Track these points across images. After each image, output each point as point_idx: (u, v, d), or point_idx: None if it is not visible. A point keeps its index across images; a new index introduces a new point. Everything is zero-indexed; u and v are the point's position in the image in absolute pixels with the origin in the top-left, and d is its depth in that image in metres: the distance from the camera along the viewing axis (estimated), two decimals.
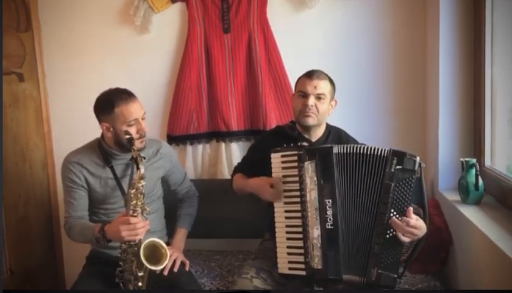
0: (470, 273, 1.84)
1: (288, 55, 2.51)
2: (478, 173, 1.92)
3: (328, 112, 2.02)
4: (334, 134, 2.07)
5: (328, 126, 2.09)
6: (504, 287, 1.49)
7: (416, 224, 1.65)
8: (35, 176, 2.70)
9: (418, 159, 1.68)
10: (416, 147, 2.46)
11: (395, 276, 1.68)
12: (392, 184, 1.67)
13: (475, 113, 2.16)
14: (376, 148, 1.71)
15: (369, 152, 1.71)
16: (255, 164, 2.05)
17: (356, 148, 1.73)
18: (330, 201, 1.72)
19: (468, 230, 1.83)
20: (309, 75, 1.98)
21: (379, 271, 1.67)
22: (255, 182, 1.96)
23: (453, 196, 2.08)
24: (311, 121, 1.97)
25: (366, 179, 1.71)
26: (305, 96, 1.95)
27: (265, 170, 1.89)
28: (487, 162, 2.09)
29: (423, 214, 1.71)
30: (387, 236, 1.67)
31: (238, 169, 2.21)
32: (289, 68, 2.49)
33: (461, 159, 2.01)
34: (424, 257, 2.09)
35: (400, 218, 1.65)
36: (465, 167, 1.97)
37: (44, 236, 2.77)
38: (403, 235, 1.64)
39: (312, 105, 1.94)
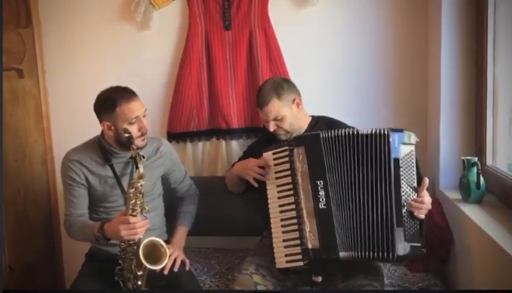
0: (471, 272, 1.84)
1: (289, 52, 2.49)
2: (480, 171, 1.91)
3: (297, 114, 2.06)
4: (322, 123, 2.12)
5: (313, 117, 2.14)
6: (505, 286, 1.49)
7: (429, 201, 1.75)
8: (34, 173, 2.70)
9: (414, 133, 1.77)
10: (417, 145, 2.45)
11: (420, 245, 1.71)
12: (400, 158, 1.73)
13: (477, 111, 2.15)
14: (374, 129, 1.76)
15: (366, 133, 1.76)
16: None
17: (348, 130, 1.78)
18: (321, 182, 1.76)
19: (469, 229, 1.82)
20: (258, 104, 2.04)
21: (406, 243, 1.69)
22: (241, 163, 2.05)
23: (454, 195, 2.08)
24: (283, 137, 2.05)
25: (368, 158, 1.74)
26: (266, 121, 2.04)
27: None
28: (489, 161, 2.08)
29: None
30: (405, 209, 1.72)
31: (232, 166, 2.26)
32: (290, 65, 2.48)
33: (462, 158, 2.00)
34: (425, 256, 2.08)
35: (412, 198, 1.72)
36: (467, 166, 1.96)
37: (44, 232, 2.77)
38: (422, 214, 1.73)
39: (274, 129, 2.03)
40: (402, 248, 1.69)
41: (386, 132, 1.74)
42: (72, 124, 2.70)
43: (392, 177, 1.72)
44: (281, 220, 1.85)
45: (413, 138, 1.77)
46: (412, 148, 1.76)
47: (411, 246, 1.70)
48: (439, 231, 2.07)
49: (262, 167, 1.95)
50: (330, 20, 2.48)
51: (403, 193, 1.72)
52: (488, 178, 1.98)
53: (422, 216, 1.73)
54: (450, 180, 2.20)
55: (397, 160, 1.72)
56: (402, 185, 1.72)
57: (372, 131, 1.76)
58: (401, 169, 1.72)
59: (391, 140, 1.73)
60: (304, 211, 1.78)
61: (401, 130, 1.76)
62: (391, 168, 1.72)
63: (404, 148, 1.74)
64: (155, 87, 2.63)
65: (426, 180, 1.75)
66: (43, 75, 2.71)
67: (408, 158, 1.75)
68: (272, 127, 2.02)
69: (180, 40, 2.57)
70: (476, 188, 1.92)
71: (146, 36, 2.60)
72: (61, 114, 2.75)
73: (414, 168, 1.75)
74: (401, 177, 1.72)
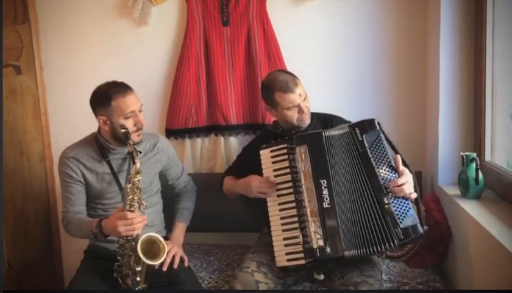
0: (470, 268, 1.84)
1: (287, 48, 2.49)
2: (478, 167, 1.91)
3: None
4: (317, 119, 2.12)
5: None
6: (504, 282, 1.49)
7: (407, 179, 1.74)
8: (32, 169, 2.70)
9: (375, 119, 1.81)
10: (416, 141, 2.46)
11: (418, 223, 1.71)
12: (367, 149, 1.77)
13: (475, 107, 2.15)
14: (339, 127, 1.85)
15: (340, 132, 1.82)
16: (245, 167, 2.07)
17: (334, 130, 1.84)
18: (325, 181, 1.78)
19: (468, 224, 1.82)
20: (289, 88, 1.97)
21: (402, 227, 1.70)
22: (244, 180, 2.02)
23: (453, 191, 2.08)
24: (308, 120, 2.04)
25: (347, 155, 1.79)
26: (296, 106, 1.99)
27: (256, 171, 1.97)
28: (487, 157, 2.08)
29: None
30: (390, 194, 1.72)
31: (228, 172, 2.25)
32: (289, 61, 2.48)
33: (461, 153, 2.00)
34: (423, 252, 2.09)
35: (392, 184, 1.72)
36: (466, 161, 1.96)
37: (42, 229, 2.77)
38: (408, 194, 1.72)
39: (305, 112, 2.01)
40: (399, 233, 1.69)
41: (347, 130, 1.81)
42: (70, 120, 2.70)
43: (367, 169, 1.75)
44: (281, 218, 1.85)
45: (375, 124, 1.79)
46: (378, 133, 1.79)
47: (408, 229, 1.69)
48: (437, 226, 2.07)
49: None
50: (328, 16, 2.47)
51: (382, 180, 1.73)
52: (487, 174, 1.98)
53: (413, 195, 1.74)
54: (449, 176, 2.20)
55: (364, 153, 1.76)
56: (380, 172, 1.74)
57: (340, 130, 1.81)
58: (372, 158, 1.75)
59: (353, 135, 1.79)
60: (308, 210, 1.79)
61: (362, 122, 1.81)
62: (363, 162, 1.76)
63: (369, 137, 1.78)
64: (153, 84, 2.62)
65: (398, 157, 1.76)
66: (41, 72, 2.70)
67: (377, 145, 1.77)
68: (305, 108, 2.00)
69: (178, 36, 2.56)
70: (475, 184, 1.91)
71: (144, 32, 2.59)
72: (59, 111, 2.75)
73: (386, 152, 1.77)
74: (376, 165, 1.75)
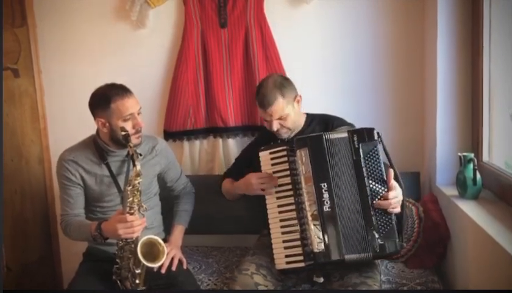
0: (468, 268, 1.84)
1: (285, 50, 2.49)
2: (476, 167, 1.92)
3: (298, 112, 2.05)
4: (318, 120, 2.12)
5: (308, 115, 2.13)
6: (502, 282, 1.49)
7: (397, 194, 1.73)
8: (31, 172, 2.70)
9: (375, 129, 1.77)
10: (414, 142, 2.46)
11: (397, 240, 1.72)
12: (361, 158, 1.75)
13: (473, 108, 2.15)
14: (339, 131, 1.83)
15: (339, 136, 1.79)
16: (244, 169, 2.07)
17: (333, 133, 1.81)
18: (325, 184, 1.76)
19: (466, 225, 1.83)
20: (262, 104, 1.97)
21: (380, 241, 1.71)
22: (243, 180, 2.01)
23: (451, 191, 2.08)
24: (285, 135, 2.02)
25: (342, 160, 1.77)
26: (268, 121, 1.99)
27: (255, 172, 1.96)
28: (485, 157, 2.09)
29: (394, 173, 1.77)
30: (374, 206, 1.73)
31: (227, 174, 2.25)
32: (287, 63, 2.48)
33: (459, 154, 2.01)
34: (422, 252, 2.10)
35: (381, 196, 1.72)
36: (463, 162, 1.97)
37: (41, 232, 2.77)
38: (392, 209, 1.72)
39: (278, 129, 1.99)
40: (376, 246, 1.70)
41: (344, 135, 1.78)
42: (69, 123, 2.70)
43: (358, 178, 1.74)
44: (281, 220, 1.85)
45: (374, 134, 1.76)
46: (376, 143, 1.75)
47: (385, 244, 1.70)
48: (435, 227, 2.08)
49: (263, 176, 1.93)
50: (326, 17, 2.47)
51: (370, 191, 1.73)
52: (484, 174, 1.98)
53: (396, 210, 1.73)
54: (447, 177, 2.20)
55: (357, 162, 1.75)
56: (370, 184, 1.73)
57: (338, 134, 1.79)
58: (365, 168, 1.74)
59: (350, 142, 1.76)
60: (308, 214, 1.78)
61: (361, 130, 1.77)
62: (355, 170, 1.75)
63: (366, 146, 1.75)
64: (152, 86, 2.62)
65: (391, 172, 1.73)
66: (39, 75, 2.70)
67: (372, 155, 1.75)
68: (275, 127, 1.97)
69: (176, 39, 2.56)
70: (473, 185, 1.92)
71: (142, 34, 2.59)
72: (57, 113, 2.75)
73: (380, 164, 1.75)
74: (367, 175, 1.73)
